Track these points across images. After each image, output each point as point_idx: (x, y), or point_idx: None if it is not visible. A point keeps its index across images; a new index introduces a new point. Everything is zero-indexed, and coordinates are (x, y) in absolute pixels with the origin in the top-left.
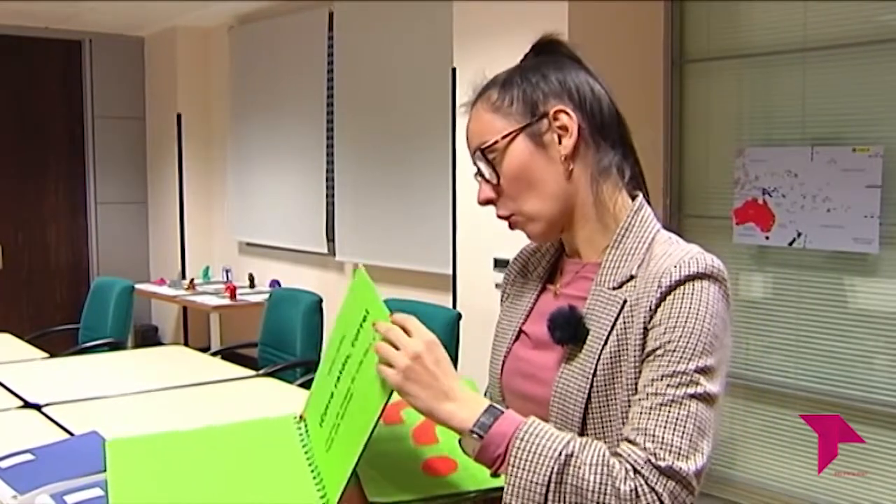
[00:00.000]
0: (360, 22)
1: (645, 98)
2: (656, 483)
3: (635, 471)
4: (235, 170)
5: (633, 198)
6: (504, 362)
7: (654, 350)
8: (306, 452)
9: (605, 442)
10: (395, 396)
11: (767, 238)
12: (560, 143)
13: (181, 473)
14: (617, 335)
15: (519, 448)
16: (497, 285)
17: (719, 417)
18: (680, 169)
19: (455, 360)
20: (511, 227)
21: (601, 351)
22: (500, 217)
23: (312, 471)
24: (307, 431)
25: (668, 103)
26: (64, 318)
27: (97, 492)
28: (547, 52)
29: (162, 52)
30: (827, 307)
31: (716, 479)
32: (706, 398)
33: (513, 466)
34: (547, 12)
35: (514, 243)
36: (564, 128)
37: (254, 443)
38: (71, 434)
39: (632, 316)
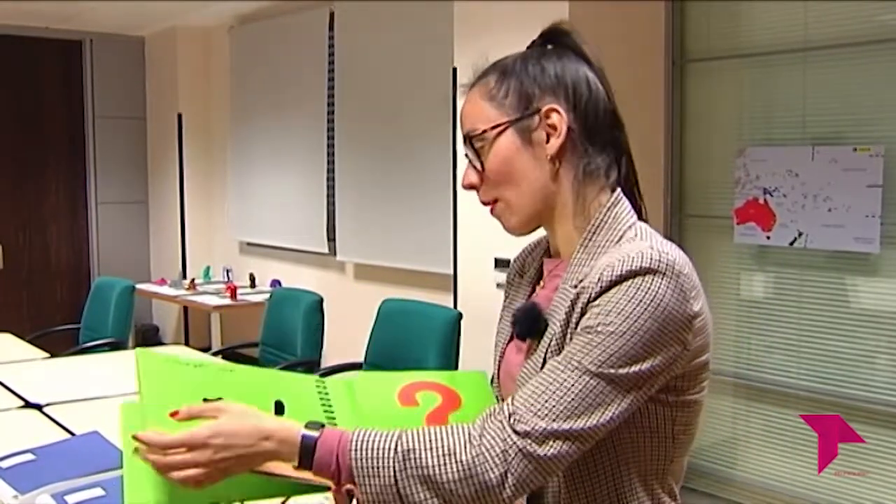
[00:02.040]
0: (360, 22)
1: (646, 98)
2: (507, 444)
3: (483, 436)
4: (236, 170)
5: (612, 192)
6: (500, 364)
7: (576, 331)
8: (324, 404)
9: None
10: (405, 380)
11: (768, 238)
12: (548, 141)
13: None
14: (563, 328)
15: (356, 458)
16: (498, 285)
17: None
18: (681, 168)
19: (456, 360)
20: (492, 213)
21: (549, 344)
22: (481, 202)
23: (329, 419)
24: (327, 390)
25: (669, 103)
26: (64, 318)
27: (98, 492)
28: (554, 41)
29: (162, 52)
30: (828, 307)
31: (717, 478)
32: (603, 376)
33: (358, 476)
34: (547, 12)
35: (515, 243)
36: (554, 127)
37: (278, 386)
38: (72, 434)
39: (575, 306)
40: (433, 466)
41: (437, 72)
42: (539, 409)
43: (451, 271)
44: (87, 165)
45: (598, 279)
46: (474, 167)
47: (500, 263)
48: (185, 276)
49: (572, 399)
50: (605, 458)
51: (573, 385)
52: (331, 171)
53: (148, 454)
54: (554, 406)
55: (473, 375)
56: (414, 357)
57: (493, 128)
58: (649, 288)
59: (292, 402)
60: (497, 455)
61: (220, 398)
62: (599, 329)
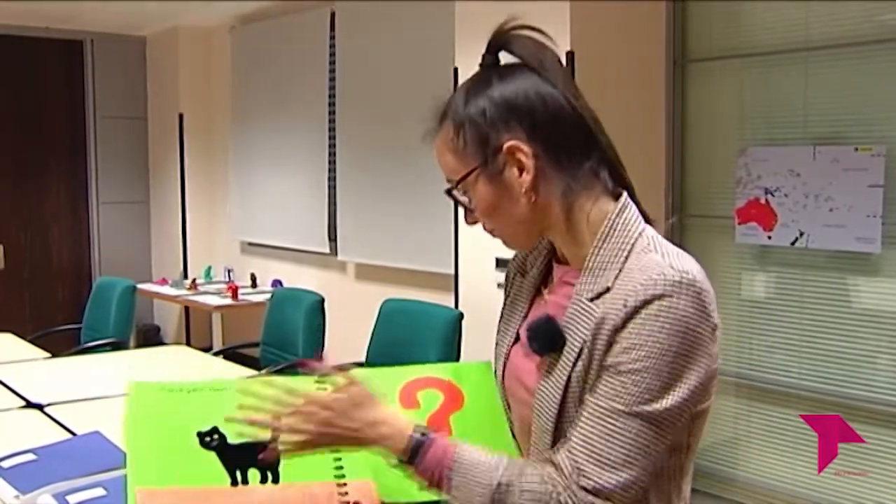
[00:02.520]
0: (361, 22)
1: (647, 98)
2: (576, 501)
3: (558, 496)
4: (237, 170)
5: (617, 197)
6: (505, 365)
7: (610, 366)
8: None
9: None
10: (407, 376)
11: (770, 238)
12: (520, 176)
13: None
14: (588, 350)
15: (453, 478)
16: (499, 285)
17: (684, 430)
18: (682, 168)
19: (457, 360)
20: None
21: (574, 365)
22: (486, 231)
23: None
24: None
25: (670, 103)
26: (66, 317)
27: (100, 491)
28: (498, 52)
29: (164, 52)
30: (829, 307)
31: (719, 478)
32: (650, 417)
33: (454, 488)
34: (548, 12)
35: None
36: (520, 162)
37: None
38: (73, 434)
39: (600, 332)
40: None
41: (438, 72)
42: (599, 462)
43: (453, 271)
44: (88, 165)
45: (624, 304)
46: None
47: (501, 263)
48: (186, 276)
49: (627, 445)
50: None
51: (624, 430)
52: (332, 170)
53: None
54: (612, 456)
55: (478, 368)
56: (415, 357)
57: (464, 178)
58: (674, 311)
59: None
60: None
61: (215, 427)
62: (635, 367)
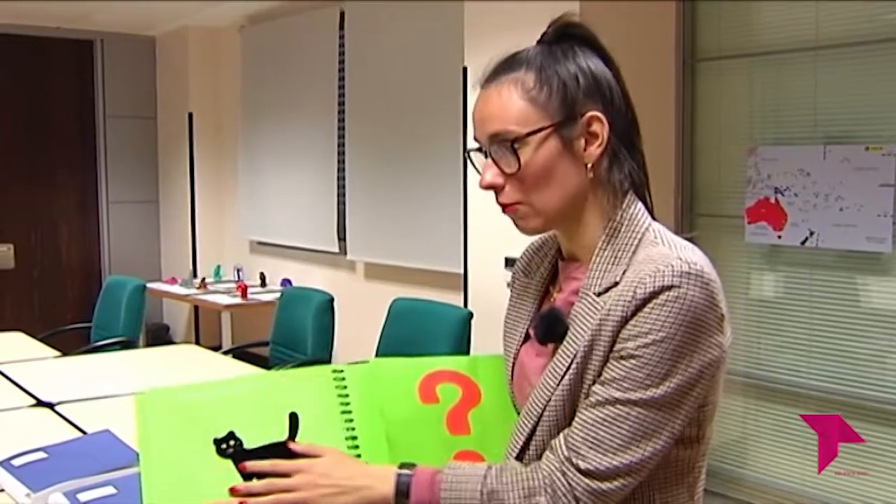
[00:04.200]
0: (370, 21)
1: (656, 97)
2: (573, 484)
3: (552, 478)
4: (246, 169)
5: (625, 194)
6: (514, 365)
7: (615, 353)
8: (342, 403)
9: (552, 438)
10: (425, 368)
11: (780, 237)
12: (586, 149)
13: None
14: (592, 342)
15: (445, 498)
16: (508, 284)
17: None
18: (692, 168)
19: None
20: (506, 211)
21: (575, 355)
22: (500, 203)
23: (346, 421)
24: (345, 384)
25: (680, 102)
26: (75, 316)
27: (110, 490)
28: (568, 34)
29: (173, 51)
30: (839, 306)
31: (727, 478)
32: (656, 404)
33: None
34: (558, 11)
35: (526, 242)
36: (595, 135)
37: (291, 394)
38: (84, 432)
39: (605, 324)
40: None
41: (447, 71)
42: (597, 447)
43: (462, 270)
44: (98, 165)
45: (633, 296)
46: (499, 168)
47: (511, 262)
48: (195, 276)
49: (627, 430)
50: None
51: (625, 416)
52: (341, 170)
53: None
54: (611, 441)
55: (493, 361)
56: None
57: (537, 131)
58: (682, 301)
59: (307, 409)
60: (568, 495)
61: (231, 432)
62: (638, 353)
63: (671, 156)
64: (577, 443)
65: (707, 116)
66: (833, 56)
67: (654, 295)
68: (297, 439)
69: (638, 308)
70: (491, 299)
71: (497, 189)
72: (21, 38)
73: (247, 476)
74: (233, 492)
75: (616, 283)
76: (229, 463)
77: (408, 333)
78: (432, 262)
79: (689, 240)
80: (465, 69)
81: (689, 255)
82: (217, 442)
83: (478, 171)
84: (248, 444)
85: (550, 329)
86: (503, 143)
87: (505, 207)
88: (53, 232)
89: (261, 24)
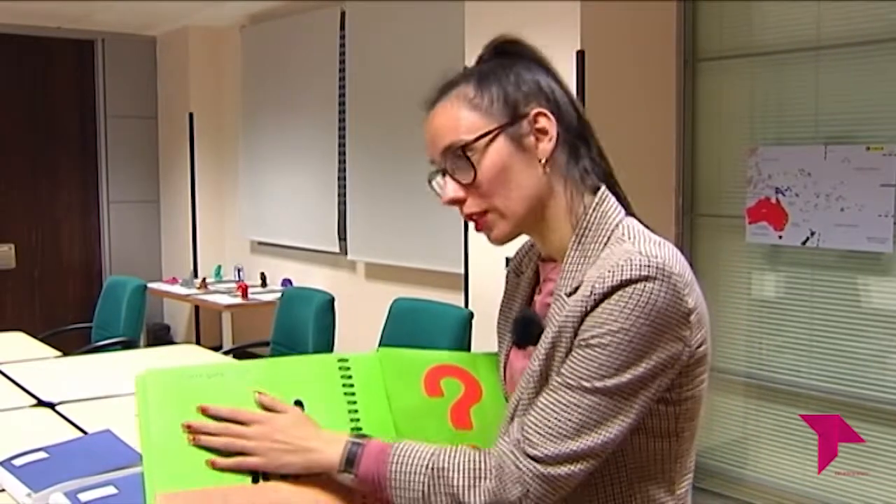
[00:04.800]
0: (371, 21)
1: (657, 97)
2: (522, 469)
3: (500, 462)
4: (247, 169)
5: (595, 191)
6: (505, 369)
7: (574, 344)
8: (346, 392)
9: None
10: (430, 361)
11: (780, 237)
12: (537, 146)
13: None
14: (555, 340)
15: (393, 471)
16: None
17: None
18: (692, 168)
19: None
20: (477, 227)
21: (545, 354)
22: (467, 216)
23: (351, 410)
24: (349, 373)
25: (681, 102)
26: (76, 316)
27: (111, 490)
28: (506, 53)
29: (174, 51)
30: (840, 306)
31: (727, 478)
32: (604, 391)
33: (392, 488)
34: (559, 12)
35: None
36: (544, 131)
37: (297, 380)
38: (84, 432)
39: (568, 319)
40: (460, 487)
41: (448, 72)
42: (547, 432)
43: (462, 270)
44: (98, 165)
45: (591, 292)
46: (456, 180)
47: None
48: (196, 276)
49: (578, 418)
50: (610, 462)
51: (577, 404)
52: (342, 170)
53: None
54: (561, 427)
55: (492, 359)
56: None
57: (484, 135)
58: (641, 295)
59: (311, 397)
60: (516, 480)
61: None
62: (594, 342)
63: (672, 156)
64: (528, 428)
65: (708, 116)
66: (834, 56)
67: (613, 290)
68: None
69: (597, 303)
70: (491, 299)
71: (460, 202)
72: (21, 38)
73: None
74: (188, 428)
75: (582, 282)
76: None
77: (408, 333)
78: (433, 262)
79: (691, 245)
80: (465, 69)
81: (653, 249)
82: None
83: (438, 195)
84: None
85: (525, 332)
86: (456, 154)
87: (474, 221)
88: (54, 232)
89: (261, 24)
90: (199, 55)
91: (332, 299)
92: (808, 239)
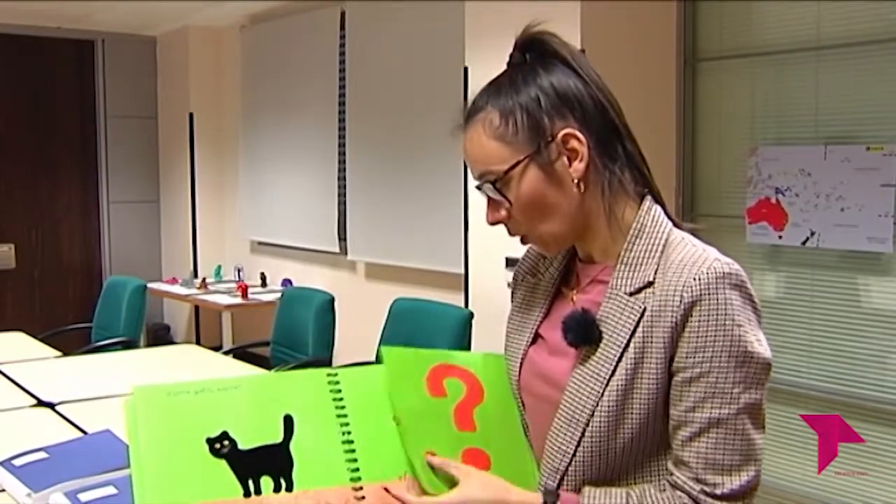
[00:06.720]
0: (371, 21)
1: (657, 97)
2: None
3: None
4: (247, 169)
5: (641, 198)
6: (521, 364)
7: (690, 375)
8: (337, 406)
9: (608, 446)
10: (433, 360)
11: (780, 237)
12: (570, 166)
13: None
14: (636, 345)
15: None
16: (509, 284)
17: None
18: (692, 168)
19: None
20: (523, 242)
21: (620, 358)
22: (512, 236)
23: (342, 424)
24: (339, 388)
25: (681, 102)
26: (76, 316)
27: (111, 490)
28: (532, 51)
29: (174, 51)
30: (840, 307)
31: None
32: (748, 409)
33: None
34: (559, 12)
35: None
36: (574, 151)
37: (286, 395)
38: (84, 432)
39: (652, 327)
40: None
41: (448, 71)
42: (720, 470)
43: (462, 270)
44: (98, 165)
45: (680, 300)
46: (495, 206)
47: (511, 262)
48: (196, 276)
49: (740, 446)
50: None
51: (732, 435)
52: (342, 170)
53: None
54: (732, 461)
55: (492, 360)
56: None
57: (514, 167)
58: (731, 303)
59: (302, 412)
60: None
61: (224, 432)
62: (702, 369)
63: (672, 156)
64: (699, 474)
65: (708, 116)
66: (834, 56)
67: (702, 298)
68: (292, 442)
69: (687, 313)
70: (492, 299)
71: (503, 223)
72: (21, 38)
73: (242, 478)
74: None
75: (650, 283)
76: (222, 462)
77: (408, 333)
78: (433, 262)
79: (693, 232)
80: (465, 69)
81: (723, 256)
82: (210, 441)
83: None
84: (242, 446)
85: (585, 332)
86: (488, 185)
87: (520, 238)
88: (54, 232)
89: (262, 24)
90: (199, 55)
91: (332, 299)
92: (808, 239)
